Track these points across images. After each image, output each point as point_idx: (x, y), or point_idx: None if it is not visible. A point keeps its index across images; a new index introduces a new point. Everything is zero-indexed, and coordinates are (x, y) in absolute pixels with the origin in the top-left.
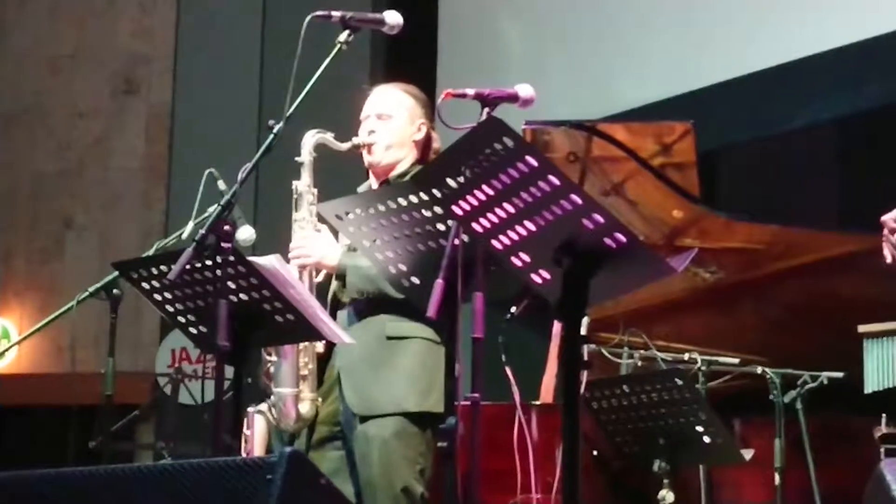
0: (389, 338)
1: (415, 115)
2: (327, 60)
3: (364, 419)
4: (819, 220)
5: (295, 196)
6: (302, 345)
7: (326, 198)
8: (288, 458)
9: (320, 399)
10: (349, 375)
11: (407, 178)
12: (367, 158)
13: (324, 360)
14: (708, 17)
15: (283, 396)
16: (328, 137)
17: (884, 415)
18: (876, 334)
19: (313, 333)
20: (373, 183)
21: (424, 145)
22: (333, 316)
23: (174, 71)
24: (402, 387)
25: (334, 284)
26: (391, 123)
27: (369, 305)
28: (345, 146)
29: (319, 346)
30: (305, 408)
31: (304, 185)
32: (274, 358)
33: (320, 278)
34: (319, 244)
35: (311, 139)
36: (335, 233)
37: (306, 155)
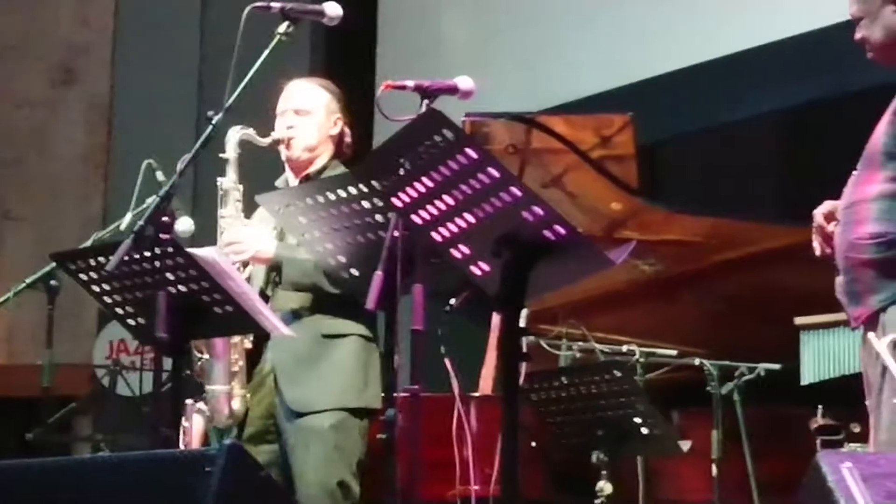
0: (325, 336)
1: (331, 110)
2: (267, 51)
3: (301, 415)
4: (760, 211)
5: (220, 193)
6: (233, 340)
7: (252, 192)
8: (227, 451)
9: (249, 395)
10: (286, 373)
11: (325, 173)
12: (285, 153)
13: (252, 356)
14: (650, 8)
15: (216, 394)
16: (251, 133)
17: (820, 406)
18: (812, 326)
19: (252, 325)
20: (290, 177)
21: (339, 140)
22: None
23: (113, 61)
24: (341, 383)
25: (261, 279)
26: (310, 119)
27: (303, 309)
28: (266, 141)
29: (248, 343)
30: (237, 404)
31: (230, 181)
32: (205, 356)
33: (246, 274)
34: (254, 238)
35: (234, 135)
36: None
37: (231, 152)
